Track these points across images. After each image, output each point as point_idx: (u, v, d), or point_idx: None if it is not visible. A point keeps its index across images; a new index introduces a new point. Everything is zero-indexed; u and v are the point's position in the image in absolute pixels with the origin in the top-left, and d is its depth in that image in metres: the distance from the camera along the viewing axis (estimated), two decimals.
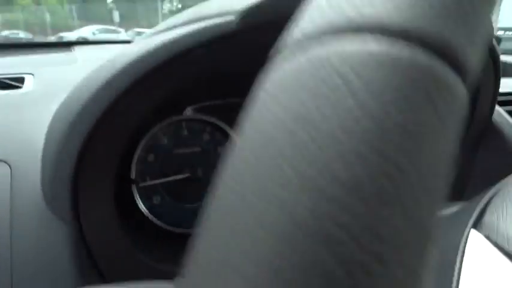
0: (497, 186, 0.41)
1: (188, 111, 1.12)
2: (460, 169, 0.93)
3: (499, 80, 0.93)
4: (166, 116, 1.10)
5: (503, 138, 0.95)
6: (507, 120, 1.00)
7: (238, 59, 0.91)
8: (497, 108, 1.02)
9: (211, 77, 1.07)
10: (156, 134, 1.12)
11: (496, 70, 0.90)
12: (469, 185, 0.98)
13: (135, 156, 1.06)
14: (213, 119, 1.12)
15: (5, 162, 0.72)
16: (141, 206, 1.05)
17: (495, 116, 0.98)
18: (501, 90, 0.96)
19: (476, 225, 0.36)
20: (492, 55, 0.85)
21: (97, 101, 0.62)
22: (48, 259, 0.59)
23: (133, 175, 1.05)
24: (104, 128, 0.65)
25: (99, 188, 0.68)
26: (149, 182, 1.09)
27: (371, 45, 0.13)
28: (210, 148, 1.14)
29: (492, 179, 0.84)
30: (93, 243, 0.66)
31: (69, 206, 0.64)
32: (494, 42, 0.88)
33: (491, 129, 0.97)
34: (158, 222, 1.05)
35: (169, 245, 0.98)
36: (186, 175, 1.08)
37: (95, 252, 0.66)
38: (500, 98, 1.03)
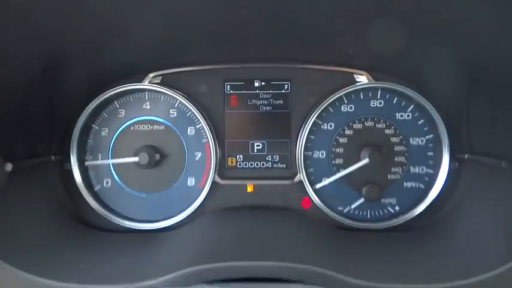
0: None
1: (149, 79, 0.87)
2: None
3: None
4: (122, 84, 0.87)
5: None
6: None
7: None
8: None
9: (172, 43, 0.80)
10: (110, 103, 0.90)
11: None
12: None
13: (77, 126, 0.85)
14: (176, 92, 0.86)
15: None
16: (81, 187, 0.87)
17: None
18: None
19: None
20: None
21: None
22: None
23: (73, 150, 0.87)
24: None
25: None
26: (94, 162, 0.90)
27: None
28: (177, 127, 0.91)
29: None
30: None
31: None
32: None
33: None
34: (101, 210, 0.88)
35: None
36: (144, 159, 0.87)
37: None
38: None
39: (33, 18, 0.60)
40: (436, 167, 0.86)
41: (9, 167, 0.69)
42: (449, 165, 0.84)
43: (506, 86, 0.69)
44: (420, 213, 0.86)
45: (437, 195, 0.85)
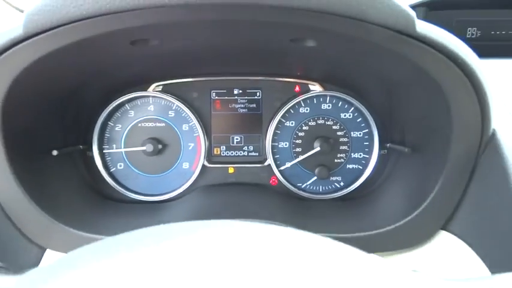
0: None
1: (153, 87, 1.14)
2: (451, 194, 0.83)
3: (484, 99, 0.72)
4: (131, 91, 1.14)
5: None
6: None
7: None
8: None
9: (173, 58, 1.06)
10: (122, 106, 1.17)
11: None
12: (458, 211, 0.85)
13: (97, 124, 1.12)
14: (173, 98, 1.14)
15: None
16: (101, 169, 1.13)
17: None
18: None
19: None
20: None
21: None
22: None
23: (95, 141, 1.13)
24: None
25: None
26: (110, 150, 1.16)
27: None
28: (175, 124, 1.17)
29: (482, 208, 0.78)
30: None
31: None
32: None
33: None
34: (116, 186, 1.15)
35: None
36: (149, 148, 1.13)
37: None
38: None
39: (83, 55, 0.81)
40: (370, 153, 1.14)
41: (54, 152, 0.96)
42: (379, 152, 1.13)
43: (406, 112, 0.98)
44: (357, 188, 1.14)
45: (369, 175, 1.13)
